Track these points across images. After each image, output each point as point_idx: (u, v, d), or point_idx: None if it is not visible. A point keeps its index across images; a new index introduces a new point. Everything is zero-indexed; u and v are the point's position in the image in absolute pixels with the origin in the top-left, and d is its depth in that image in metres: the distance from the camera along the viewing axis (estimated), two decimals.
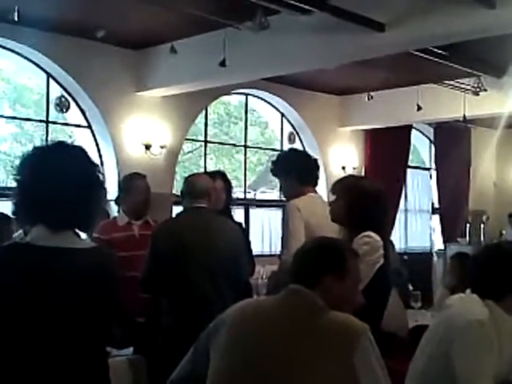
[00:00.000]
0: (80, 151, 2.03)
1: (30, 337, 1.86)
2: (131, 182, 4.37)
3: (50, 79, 7.48)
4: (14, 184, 1.98)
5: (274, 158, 3.92)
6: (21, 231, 3.91)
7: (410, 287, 5.32)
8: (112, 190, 4.48)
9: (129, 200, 4.28)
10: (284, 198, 3.93)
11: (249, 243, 4.48)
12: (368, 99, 9.16)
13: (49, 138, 7.66)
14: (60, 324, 1.89)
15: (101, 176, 2.04)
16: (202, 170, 9.03)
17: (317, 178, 3.79)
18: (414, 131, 11.34)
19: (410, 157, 11.50)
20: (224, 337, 2.04)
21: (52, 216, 1.92)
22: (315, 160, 3.85)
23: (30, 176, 1.94)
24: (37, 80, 8.06)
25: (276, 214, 9.56)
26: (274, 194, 10.70)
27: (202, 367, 2.06)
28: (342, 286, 2.11)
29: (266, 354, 1.97)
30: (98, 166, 2.05)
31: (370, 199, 2.88)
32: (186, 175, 4.00)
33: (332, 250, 2.18)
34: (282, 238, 3.61)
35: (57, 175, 1.93)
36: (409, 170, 11.42)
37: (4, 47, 7.08)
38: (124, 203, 4.32)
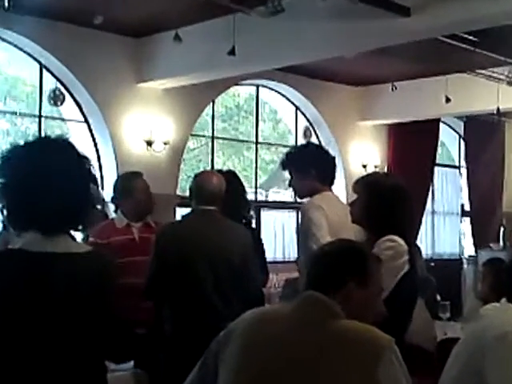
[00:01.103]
0: (66, 144, 2.04)
1: (25, 346, 1.87)
2: (130, 181, 4.38)
3: (44, 70, 7.52)
4: None
5: (289, 151, 3.89)
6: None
7: (438, 297, 5.31)
8: (110, 190, 4.49)
9: (128, 201, 4.29)
10: (298, 198, 3.92)
11: (262, 251, 4.47)
12: (391, 90, 9.14)
13: (42, 134, 7.71)
14: (55, 334, 1.90)
15: (92, 169, 2.04)
16: (209, 168, 9.04)
17: (334, 176, 3.79)
18: (442, 125, 11.29)
19: (438, 154, 11.46)
20: (235, 348, 2.04)
21: (43, 219, 1.92)
22: (333, 157, 3.86)
23: (14, 177, 1.94)
24: (29, 71, 8.08)
25: (290, 217, 9.55)
26: (288, 195, 10.70)
27: (211, 382, 2.07)
28: (364, 294, 2.10)
29: (281, 368, 1.97)
30: (87, 158, 2.05)
31: (392, 198, 2.87)
32: (191, 174, 3.99)
33: (355, 252, 2.17)
34: (298, 242, 3.59)
35: (43, 173, 1.93)
36: (436, 169, 11.37)
37: None
38: (123, 204, 4.33)
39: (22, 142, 2.04)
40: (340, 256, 2.16)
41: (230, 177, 4.26)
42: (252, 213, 4.55)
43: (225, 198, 3.79)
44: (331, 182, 3.77)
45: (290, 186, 3.83)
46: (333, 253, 2.18)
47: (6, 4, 5.75)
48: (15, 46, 7.30)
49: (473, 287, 10.21)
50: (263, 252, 4.50)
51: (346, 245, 2.25)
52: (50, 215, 1.93)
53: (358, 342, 1.97)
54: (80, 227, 2.06)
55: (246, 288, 3.64)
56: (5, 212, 1.96)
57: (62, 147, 2.02)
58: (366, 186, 2.98)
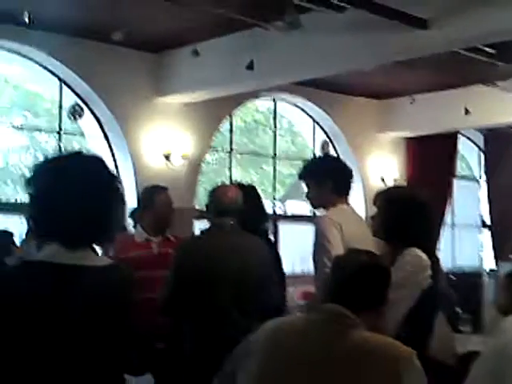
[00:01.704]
0: (97, 161, 2.06)
1: (41, 360, 1.88)
2: (153, 194, 4.38)
3: (63, 86, 7.60)
4: (26, 199, 2.01)
5: (307, 162, 3.91)
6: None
7: (459, 310, 5.26)
8: (129, 204, 4.50)
9: (149, 214, 4.29)
10: (313, 209, 3.92)
11: (280, 266, 4.45)
12: (410, 103, 9.12)
13: (62, 149, 7.78)
14: (73, 349, 1.91)
15: (120, 188, 2.07)
16: (227, 181, 9.05)
17: (350, 188, 3.80)
18: (461, 138, 11.24)
19: (458, 167, 11.40)
20: (254, 362, 2.05)
21: (68, 232, 1.95)
22: (350, 170, 3.86)
23: (43, 189, 1.97)
24: (49, 87, 8.18)
25: (308, 229, 9.52)
26: (306, 208, 10.70)
27: None
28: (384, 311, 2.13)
29: (303, 378, 1.97)
30: (116, 177, 2.08)
31: (414, 211, 2.87)
32: (210, 188, 4.00)
33: (386, 268, 2.19)
34: (314, 258, 3.58)
35: (72, 188, 1.95)
36: (456, 181, 11.31)
37: (14, 51, 7.22)
38: (144, 218, 4.33)
39: (57, 155, 2.08)
40: (377, 273, 2.18)
41: (249, 190, 4.28)
42: (269, 225, 4.52)
43: (243, 211, 3.81)
44: (347, 194, 3.78)
45: (306, 197, 3.83)
46: (369, 269, 2.19)
47: (27, 20, 5.84)
48: (35, 61, 7.40)
49: (494, 300, 10.11)
50: (281, 267, 4.49)
51: (375, 260, 2.26)
52: (76, 230, 1.95)
53: (381, 355, 1.97)
54: (103, 242, 2.08)
55: (265, 303, 3.63)
56: (31, 222, 1.98)
57: (93, 163, 2.04)
58: (388, 199, 2.98)
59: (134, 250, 4.17)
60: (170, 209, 4.34)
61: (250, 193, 4.17)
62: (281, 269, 4.46)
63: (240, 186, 4.24)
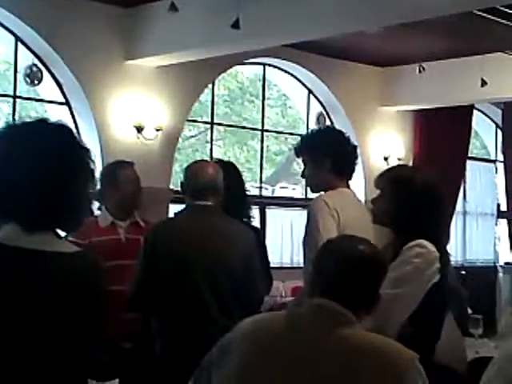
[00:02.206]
0: (66, 130, 2.04)
1: None
2: (116, 171, 4.39)
3: (19, 44, 7.52)
4: None
5: (304, 135, 3.90)
6: None
7: (469, 310, 5.30)
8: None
9: (113, 194, 4.29)
10: (312, 193, 3.91)
11: (265, 254, 4.46)
12: (419, 72, 9.12)
13: (16, 117, 7.72)
14: (31, 345, 1.89)
15: (91, 163, 2.04)
16: (208, 159, 9.04)
17: (353, 170, 3.78)
18: (476, 113, 11.28)
19: (471, 145, 11.44)
20: (232, 363, 2.07)
21: (27, 211, 1.92)
22: (355, 147, 3.83)
23: None
24: (3, 46, 8.11)
25: (300, 216, 9.55)
26: (298, 191, 10.70)
27: None
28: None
29: (292, 380, 1.98)
30: (88, 150, 2.05)
31: (425, 197, 2.87)
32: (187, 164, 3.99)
33: (383, 261, 2.22)
34: (304, 245, 3.57)
35: (33, 158, 1.92)
36: (469, 162, 11.37)
37: None
38: (107, 199, 4.32)
39: (15, 122, 2.05)
40: (374, 268, 2.20)
41: (228, 167, 4.26)
42: (252, 212, 4.53)
43: (223, 191, 3.79)
44: (350, 176, 3.76)
45: (302, 176, 3.82)
46: (363, 263, 2.20)
47: None
48: None
49: (509, 299, 10.20)
50: (266, 256, 4.50)
51: (373, 252, 2.26)
52: (36, 209, 1.92)
53: (379, 359, 1.97)
54: (71, 228, 2.06)
55: (248, 297, 3.64)
56: None
57: (60, 133, 2.02)
58: (394, 181, 2.97)
59: (96, 235, 4.15)
60: (137, 186, 4.35)
61: (229, 170, 4.15)
62: (266, 260, 4.46)
63: (218, 162, 4.23)
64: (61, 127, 2.05)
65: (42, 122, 2.05)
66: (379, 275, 2.22)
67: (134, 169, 4.43)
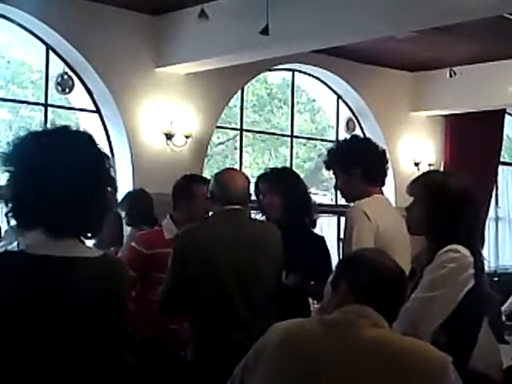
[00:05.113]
0: (87, 138, 2.06)
1: (25, 364, 1.88)
2: (193, 185, 4.38)
3: (51, 52, 7.59)
4: (5, 178, 2.00)
5: (331, 147, 3.89)
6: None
7: (504, 317, 5.26)
8: (123, 188, 4.53)
9: (186, 208, 4.30)
10: (347, 203, 3.90)
11: (329, 265, 4.37)
12: (449, 76, 9.07)
13: (48, 125, 7.78)
14: (61, 350, 1.91)
15: (111, 170, 2.06)
16: (237, 165, 9.05)
17: (385, 175, 3.77)
18: (508, 117, 11.18)
19: (503, 150, 11.34)
20: (265, 369, 2.07)
21: (57, 218, 1.94)
22: (383, 152, 3.82)
23: (24, 168, 1.96)
24: (35, 55, 8.17)
25: (329, 222, 9.51)
26: (327, 198, 10.67)
27: None
28: None
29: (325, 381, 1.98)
30: (108, 157, 2.08)
31: (461, 203, 2.84)
32: (216, 172, 3.99)
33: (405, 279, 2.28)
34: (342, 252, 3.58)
35: (58, 166, 1.94)
36: (501, 167, 11.28)
37: None
38: (178, 211, 4.35)
39: (38, 130, 2.07)
40: (404, 285, 2.26)
41: (288, 173, 4.29)
42: (316, 216, 4.50)
43: (285, 200, 3.88)
44: (382, 183, 3.75)
45: (335, 188, 3.83)
46: (398, 279, 2.23)
47: None
48: (19, 25, 7.37)
49: None
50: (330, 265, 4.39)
51: (401, 269, 2.29)
52: (65, 216, 1.94)
53: (414, 362, 1.99)
54: (93, 234, 2.08)
55: (281, 301, 3.63)
56: (9, 205, 1.97)
57: (83, 141, 2.04)
58: (428, 187, 2.93)
59: (161, 246, 4.20)
60: (209, 203, 4.35)
61: (289, 176, 4.20)
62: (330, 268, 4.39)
63: (275, 170, 4.27)
64: (83, 134, 2.07)
65: (65, 129, 2.07)
66: (404, 292, 2.29)
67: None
